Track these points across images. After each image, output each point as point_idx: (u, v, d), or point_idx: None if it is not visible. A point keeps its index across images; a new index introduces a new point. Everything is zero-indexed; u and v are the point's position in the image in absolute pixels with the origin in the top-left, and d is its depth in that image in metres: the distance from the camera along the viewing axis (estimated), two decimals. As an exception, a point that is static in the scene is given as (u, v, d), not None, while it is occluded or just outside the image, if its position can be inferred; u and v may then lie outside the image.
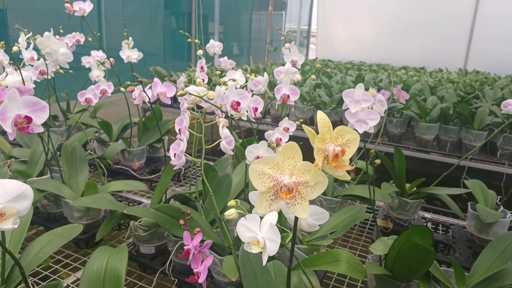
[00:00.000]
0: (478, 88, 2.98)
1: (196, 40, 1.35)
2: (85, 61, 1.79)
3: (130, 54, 1.61)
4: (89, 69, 1.71)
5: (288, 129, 1.12)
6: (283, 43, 1.20)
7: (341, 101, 2.44)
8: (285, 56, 1.36)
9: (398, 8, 5.59)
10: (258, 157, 0.83)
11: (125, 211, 0.96)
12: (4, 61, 1.04)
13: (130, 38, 1.65)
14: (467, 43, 5.23)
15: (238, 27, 6.26)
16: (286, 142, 1.03)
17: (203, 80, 1.31)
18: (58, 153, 1.39)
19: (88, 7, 1.28)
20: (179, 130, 0.73)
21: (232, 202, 0.55)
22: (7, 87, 1.07)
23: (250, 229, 0.50)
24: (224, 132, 0.71)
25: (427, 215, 1.40)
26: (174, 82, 2.86)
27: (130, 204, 1.34)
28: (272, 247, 0.48)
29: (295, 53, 1.35)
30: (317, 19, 6.19)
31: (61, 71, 1.49)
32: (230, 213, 0.54)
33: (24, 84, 1.12)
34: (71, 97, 2.01)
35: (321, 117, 0.34)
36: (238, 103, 0.78)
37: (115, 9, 3.72)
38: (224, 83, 1.03)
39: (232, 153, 0.74)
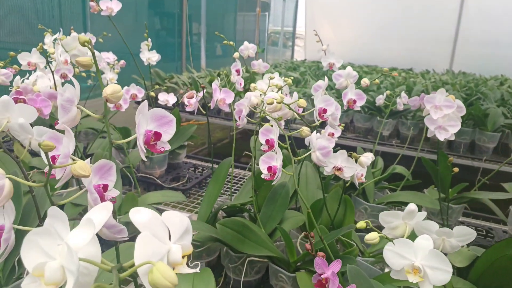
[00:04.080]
0: (475, 89, 3.04)
1: (231, 42, 1.28)
2: (96, 62, 1.68)
3: (150, 56, 1.52)
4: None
5: (333, 134, 1.08)
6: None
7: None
8: (322, 59, 1.32)
9: (385, 11, 5.68)
10: (335, 168, 0.78)
11: (180, 227, 0.89)
12: (40, 65, 0.94)
13: (149, 39, 1.56)
14: (452, 45, 5.36)
15: (222, 28, 6.18)
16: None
17: (240, 84, 1.24)
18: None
19: (116, 6, 1.19)
20: (267, 140, 0.67)
21: (362, 224, 0.50)
22: (39, 92, 0.98)
23: (402, 256, 0.45)
24: (319, 143, 0.65)
25: (465, 219, 1.39)
26: (176, 84, 2.76)
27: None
28: (439, 277, 0.43)
29: (332, 55, 1.31)
30: (305, 20, 6.21)
31: (84, 74, 1.40)
32: (372, 237, 0.48)
33: (56, 89, 1.03)
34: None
35: None
36: (325, 110, 0.72)
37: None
38: (280, 88, 0.98)
39: (326, 165, 0.68)
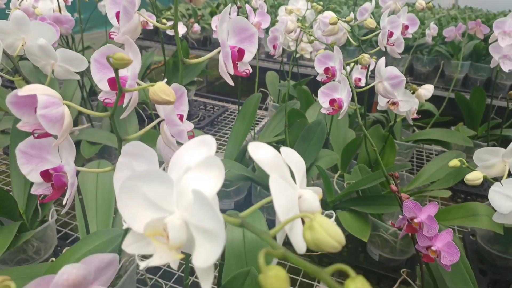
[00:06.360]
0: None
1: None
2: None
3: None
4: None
5: (366, 67, 1.00)
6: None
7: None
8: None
9: None
10: (391, 102, 0.70)
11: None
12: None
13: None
14: (459, -23, 5.06)
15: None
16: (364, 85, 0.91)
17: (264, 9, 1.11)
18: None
19: None
20: (326, 69, 0.58)
21: (456, 162, 0.44)
22: (42, 15, 0.85)
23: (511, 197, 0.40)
24: (388, 71, 0.56)
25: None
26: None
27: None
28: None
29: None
30: None
31: (86, -2, 1.24)
32: (476, 177, 0.42)
33: (60, 13, 0.89)
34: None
35: None
36: (391, 34, 0.63)
37: None
38: (321, 12, 0.86)
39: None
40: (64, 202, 0.30)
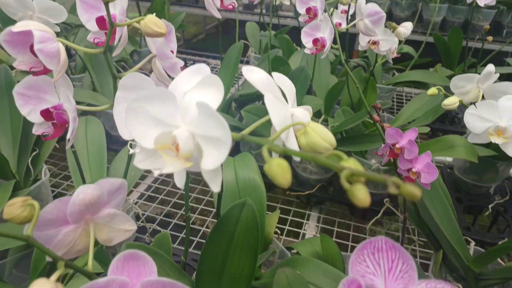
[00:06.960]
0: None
1: None
2: None
3: None
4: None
5: (346, 11, 1.00)
6: None
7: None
8: None
9: None
10: (371, 41, 0.71)
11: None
12: None
13: None
14: None
15: None
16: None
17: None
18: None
19: None
20: (308, 9, 0.58)
21: (434, 90, 0.46)
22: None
23: (485, 118, 0.43)
24: (369, 8, 0.57)
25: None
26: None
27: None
28: (529, 135, 0.41)
29: None
30: None
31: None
32: (452, 101, 0.45)
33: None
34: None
35: None
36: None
37: None
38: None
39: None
40: (68, 137, 0.31)
